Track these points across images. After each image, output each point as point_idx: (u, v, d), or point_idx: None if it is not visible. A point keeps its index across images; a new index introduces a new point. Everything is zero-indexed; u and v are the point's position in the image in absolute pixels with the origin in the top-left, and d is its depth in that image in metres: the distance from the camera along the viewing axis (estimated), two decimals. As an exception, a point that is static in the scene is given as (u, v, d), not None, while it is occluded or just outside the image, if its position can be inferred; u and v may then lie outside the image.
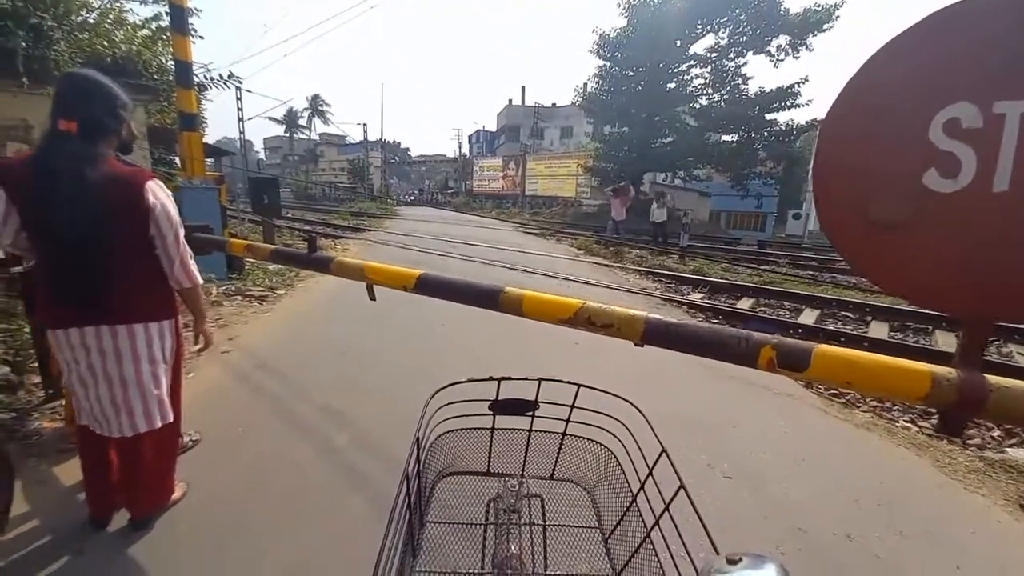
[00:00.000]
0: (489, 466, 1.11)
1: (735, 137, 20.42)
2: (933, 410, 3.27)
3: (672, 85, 21.12)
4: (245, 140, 36.46)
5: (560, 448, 1.09)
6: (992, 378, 0.80)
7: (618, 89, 21.63)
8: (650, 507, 0.87)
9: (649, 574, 0.82)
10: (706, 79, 20.71)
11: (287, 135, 57.36)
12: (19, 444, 2.28)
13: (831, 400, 3.45)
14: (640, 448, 0.95)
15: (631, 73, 21.22)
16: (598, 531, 0.99)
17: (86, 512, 1.81)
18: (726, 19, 18.82)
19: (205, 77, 7.00)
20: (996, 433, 3.22)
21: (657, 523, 0.82)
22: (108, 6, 5.74)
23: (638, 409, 0.97)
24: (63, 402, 2.44)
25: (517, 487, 1.01)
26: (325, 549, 1.78)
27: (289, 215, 18.04)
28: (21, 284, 2.41)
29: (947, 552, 1.96)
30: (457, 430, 1.09)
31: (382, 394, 3.06)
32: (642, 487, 0.92)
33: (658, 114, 21.00)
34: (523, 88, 46.77)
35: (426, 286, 1.52)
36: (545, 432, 1.09)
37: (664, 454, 0.85)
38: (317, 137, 60.06)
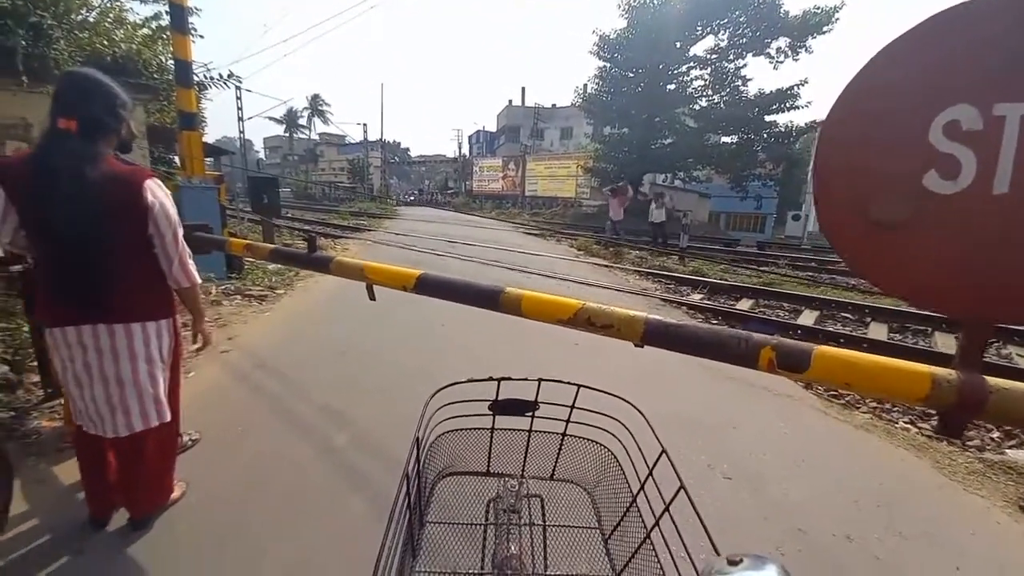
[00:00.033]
0: (489, 466, 1.11)
1: (735, 139, 20.43)
2: (933, 411, 3.27)
3: (672, 86, 21.12)
4: (245, 139, 36.44)
5: (560, 448, 1.09)
6: (992, 380, 0.80)
7: (618, 90, 21.63)
8: (650, 507, 0.87)
9: (649, 575, 0.82)
10: (706, 81, 20.73)
11: (287, 135, 57.35)
12: (18, 443, 2.28)
13: (831, 401, 3.45)
14: (640, 448, 0.95)
15: (631, 74, 21.22)
16: (598, 531, 0.99)
17: (85, 511, 1.81)
18: (726, 21, 18.83)
19: (205, 76, 7.01)
20: (996, 434, 3.22)
21: (657, 524, 0.82)
22: (108, 5, 5.75)
23: (638, 410, 0.97)
24: (62, 401, 2.44)
25: (517, 487, 1.01)
26: (325, 549, 1.78)
27: (289, 215, 18.02)
28: (21, 283, 2.41)
29: (946, 553, 1.96)
30: (457, 430, 1.09)
31: (382, 394, 3.06)
32: (642, 487, 0.92)
33: (658, 115, 21.00)
34: (523, 89, 46.81)
35: (426, 286, 1.52)
36: (545, 432, 1.09)
37: (664, 455, 0.85)
38: (317, 137, 60.07)
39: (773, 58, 18.83)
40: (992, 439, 3.17)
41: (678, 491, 0.77)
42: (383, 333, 4.27)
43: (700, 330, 1.07)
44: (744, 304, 6.92)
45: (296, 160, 55.30)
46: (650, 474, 0.89)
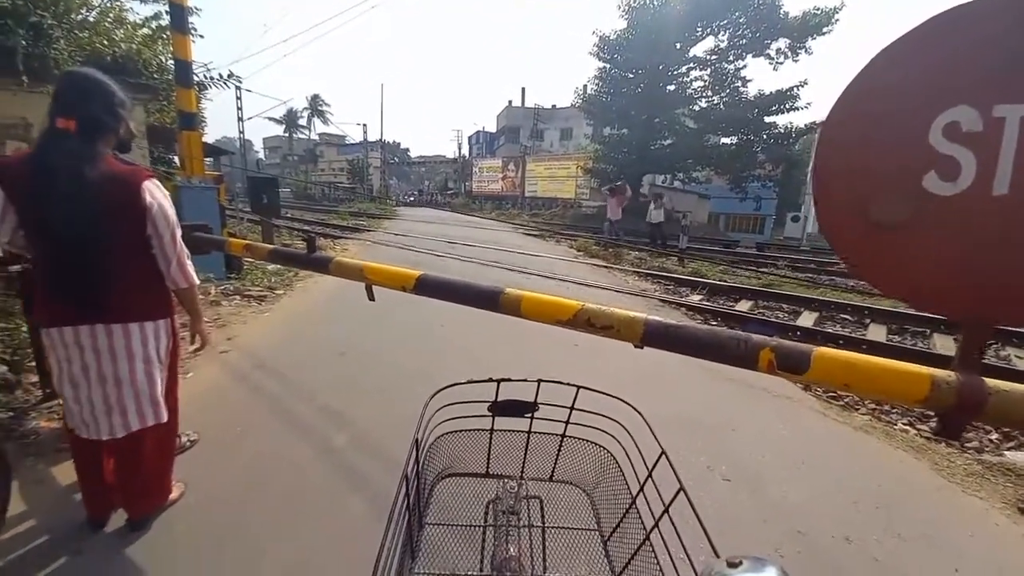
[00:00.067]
0: (488, 468, 1.11)
1: (734, 140, 20.48)
2: (932, 413, 3.27)
3: (672, 87, 21.16)
4: (244, 140, 36.46)
5: (559, 450, 1.09)
6: (991, 381, 0.80)
7: (618, 91, 21.66)
8: (649, 509, 0.87)
9: None
10: (705, 82, 20.76)
11: (287, 135, 57.36)
12: (16, 443, 2.28)
13: (830, 403, 3.45)
14: (639, 450, 0.95)
15: (631, 75, 21.25)
16: (597, 533, 0.99)
17: (84, 512, 1.80)
18: (726, 22, 18.86)
19: (205, 76, 7.01)
20: (994, 436, 3.22)
21: (656, 525, 0.82)
22: (108, 5, 5.75)
23: (637, 411, 0.97)
24: (60, 401, 2.43)
25: (516, 489, 1.00)
26: (324, 550, 1.78)
27: (288, 215, 18.02)
28: (19, 283, 2.41)
29: (945, 555, 1.96)
30: (456, 431, 1.09)
31: (381, 395, 3.06)
32: (641, 489, 0.91)
33: (657, 116, 21.04)
34: (523, 89, 46.86)
35: (425, 287, 1.52)
36: (544, 434, 1.09)
37: (663, 456, 0.85)
38: (317, 137, 60.08)
39: (773, 59, 18.88)
40: (991, 441, 3.17)
41: (677, 493, 0.77)
42: (382, 334, 4.27)
43: (699, 331, 1.07)
44: (743, 305, 6.92)
45: (296, 160, 55.31)
46: (649, 476, 0.89)
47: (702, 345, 1.04)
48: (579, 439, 1.09)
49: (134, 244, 1.61)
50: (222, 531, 1.84)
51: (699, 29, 19.40)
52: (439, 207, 33.59)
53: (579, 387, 1.00)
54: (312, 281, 6.14)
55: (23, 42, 4.28)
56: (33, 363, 2.73)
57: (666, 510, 0.79)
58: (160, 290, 1.73)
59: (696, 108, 21.17)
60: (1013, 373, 4.24)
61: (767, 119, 19.31)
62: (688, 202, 23.38)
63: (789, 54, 18.55)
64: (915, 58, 0.84)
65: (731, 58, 19.56)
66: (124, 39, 5.72)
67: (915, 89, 0.84)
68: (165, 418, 1.75)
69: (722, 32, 19.26)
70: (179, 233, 1.69)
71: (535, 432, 1.08)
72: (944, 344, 5.24)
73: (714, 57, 19.90)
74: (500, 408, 1.00)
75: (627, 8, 19.87)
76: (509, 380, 0.98)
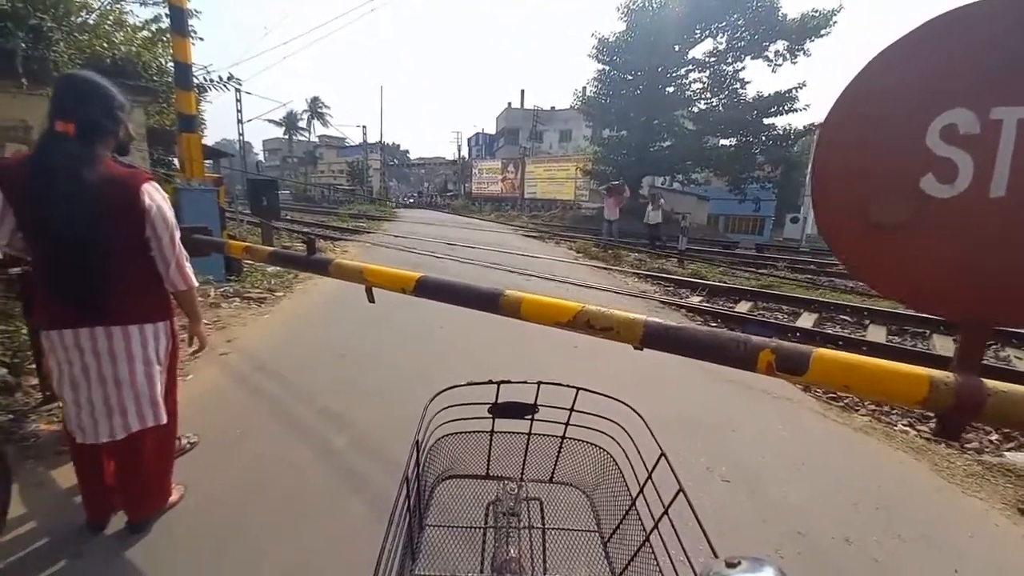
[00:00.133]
0: (488, 469, 1.11)
1: (733, 141, 20.50)
2: (931, 414, 3.28)
3: (671, 89, 21.18)
4: (244, 142, 36.50)
5: (559, 451, 1.09)
6: (990, 382, 0.80)
7: (617, 93, 21.69)
8: (649, 510, 0.87)
9: None
10: (704, 83, 20.79)
11: (286, 137, 57.41)
12: (16, 446, 2.27)
13: (829, 404, 3.45)
14: (639, 451, 0.95)
15: (630, 77, 21.28)
16: (597, 535, 0.99)
17: (84, 514, 1.80)
18: (724, 24, 18.89)
19: (205, 79, 7.04)
20: (994, 437, 3.22)
21: (656, 527, 0.82)
22: (108, 7, 5.76)
23: (637, 412, 0.97)
24: (60, 404, 2.43)
25: (516, 490, 1.00)
26: (324, 551, 1.78)
27: (288, 217, 18.04)
28: (19, 285, 2.41)
29: (945, 556, 1.96)
30: (456, 433, 1.09)
31: (381, 397, 3.06)
32: (641, 490, 0.92)
33: (656, 118, 21.07)
34: (522, 91, 46.96)
35: (425, 289, 1.53)
36: (544, 435, 1.09)
37: (663, 457, 0.86)
38: (316, 139, 60.10)
39: (771, 61, 18.91)
40: (991, 441, 3.17)
41: (677, 494, 0.77)
42: (382, 336, 4.27)
43: (699, 333, 1.08)
44: (743, 306, 6.93)
45: (295, 162, 55.34)
46: (649, 477, 0.89)
47: (702, 346, 1.05)
48: (579, 441, 1.09)
49: (133, 246, 1.61)
50: (222, 533, 1.84)
51: (698, 31, 19.43)
52: (439, 209, 33.60)
53: (579, 389, 1.00)
54: (312, 283, 6.14)
55: (23, 44, 4.29)
56: (33, 365, 2.73)
57: (666, 511, 0.79)
58: (159, 292, 1.73)
59: (695, 110, 21.20)
60: (1013, 374, 4.24)
61: (766, 121, 19.33)
62: (687, 203, 23.42)
63: (787, 56, 18.59)
64: (912, 61, 0.84)
65: (730, 60, 19.58)
66: (124, 42, 5.74)
67: (912, 92, 0.84)
68: (165, 420, 1.75)
69: (721, 34, 19.29)
70: (178, 235, 1.69)
71: (535, 434, 1.08)
72: (944, 345, 5.24)
73: (713, 59, 19.93)
74: (500, 410, 1.00)
75: (626, 10, 19.91)
76: (509, 382, 0.98)
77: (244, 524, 1.90)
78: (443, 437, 1.08)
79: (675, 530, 0.76)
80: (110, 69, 5.04)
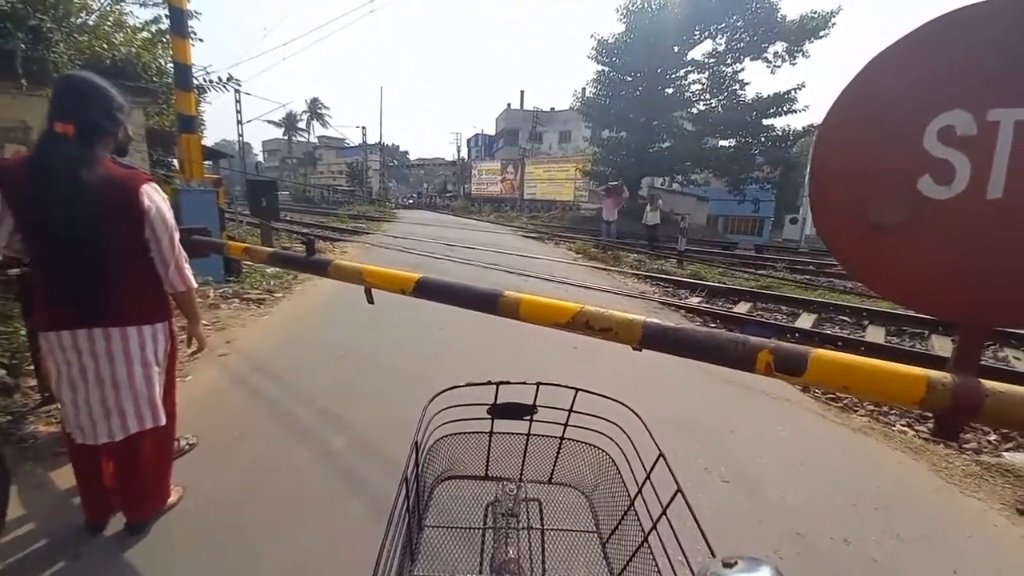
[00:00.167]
0: (487, 470, 1.11)
1: (732, 142, 20.52)
2: (930, 414, 3.28)
3: (670, 90, 21.20)
4: (243, 143, 36.52)
5: (558, 452, 1.09)
6: (987, 383, 0.80)
7: (616, 94, 21.71)
8: (648, 511, 0.87)
9: None
10: (704, 85, 20.81)
11: (286, 138, 57.44)
12: (15, 447, 2.27)
13: (828, 404, 3.46)
14: (638, 452, 0.95)
15: (629, 78, 21.30)
16: (596, 535, 0.99)
17: (82, 516, 1.80)
18: (723, 25, 18.92)
19: (204, 80, 7.03)
20: (992, 437, 3.23)
21: (655, 527, 0.82)
22: (108, 8, 5.76)
23: (635, 413, 0.97)
24: (59, 405, 2.43)
25: (515, 491, 1.01)
26: (323, 553, 1.77)
27: (287, 218, 18.03)
28: (18, 286, 2.41)
29: (944, 556, 1.96)
30: (455, 434, 1.09)
31: (380, 398, 3.06)
32: (640, 491, 0.92)
33: (656, 119, 21.09)
34: (522, 92, 46.96)
35: (425, 290, 1.53)
36: (543, 436, 1.09)
37: (662, 458, 0.86)
38: (316, 140, 60.12)
39: (770, 62, 18.93)
40: (989, 442, 3.18)
41: (675, 494, 0.77)
42: (381, 337, 4.27)
43: (698, 333, 1.08)
44: (742, 307, 6.93)
45: (295, 163, 55.37)
46: (648, 478, 0.89)
47: (700, 347, 1.05)
48: (578, 441, 1.09)
49: (132, 248, 1.61)
50: (221, 535, 1.84)
51: (697, 32, 19.46)
52: (438, 210, 33.61)
53: (578, 390, 1.00)
54: (311, 284, 6.14)
55: (22, 45, 4.29)
56: (32, 367, 2.72)
57: (664, 512, 0.79)
58: (158, 293, 1.73)
59: (694, 111, 21.22)
60: (1011, 374, 4.25)
61: (765, 122, 19.35)
62: (687, 204, 23.43)
63: (786, 57, 18.60)
64: (910, 62, 0.85)
65: (729, 61, 19.60)
66: (124, 43, 5.73)
67: (910, 93, 0.84)
68: (163, 421, 1.75)
69: (720, 35, 19.31)
70: (177, 236, 1.69)
71: (534, 435, 1.08)
72: (943, 346, 5.25)
73: (712, 60, 19.95)
74: (499, 411, 1.00)
75: (625, 12, 19.95)
76: (508, 383, 0.98)
77: (243, 525, 1.89)
78: (442, 438, 1.08)
79: (673, 531, 0.76)
80: (110, 70, 5.04)
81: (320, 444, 2.50)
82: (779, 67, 18.93)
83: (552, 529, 1.02)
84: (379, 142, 39.50)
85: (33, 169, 1.46)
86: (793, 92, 18.33)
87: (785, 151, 20.08)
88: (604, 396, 0.98)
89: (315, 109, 56.70)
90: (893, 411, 3.53)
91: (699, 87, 20.99)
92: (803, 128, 18.91)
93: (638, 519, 0.91)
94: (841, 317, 6.50)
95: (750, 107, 19.33)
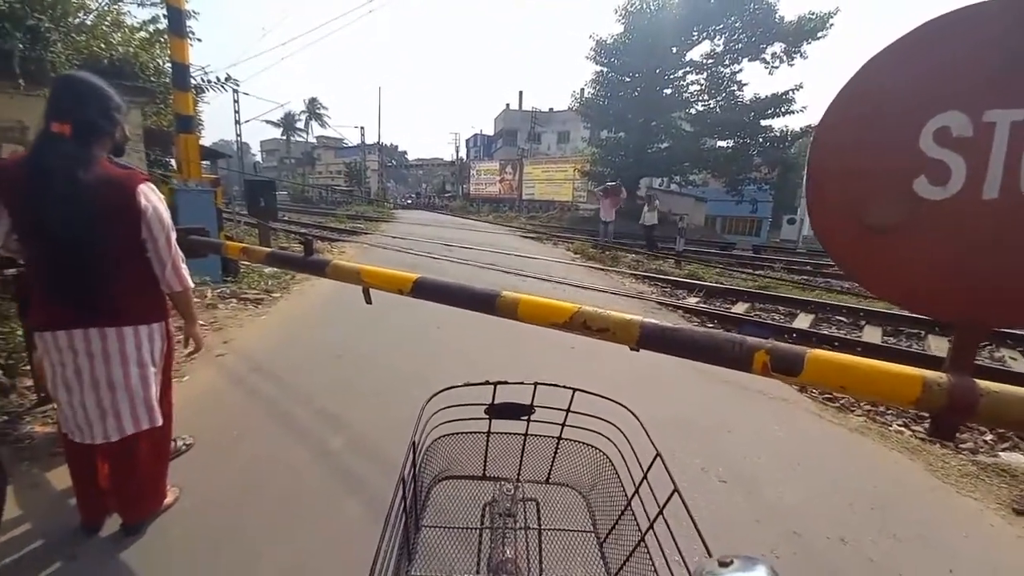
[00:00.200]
0: (485, 470, 1.11)
1: (730, 143, 20.55)
2: (926, 414, 3.28)
3: (668, 91, 21.23)
4: (242, 143, 36.46)
5: (555, 452, 1.09)
6: (983, 383, 0.81)
7: (615, 95, 21.73)
8: (645, 511, 0.87)
9: None
10: (702, 85, 20.84)
11: (284, 138, 57.33)
12: (11, 448, 2.26)
13: (825, 404, 3.46)
14: (635, 452, 0.95)
15: (628, 79, 21.33)
16: (593, 535, 0.99)
17: (78, 517, 1.79)
18: (722, 26, 18.95)
19: (202, 80, 7.01)
20: (988, 437, 3.24)
21: (652, 527, 0.82)
22: (106, 8, 5.73)
23: (633, 413, 0.97)
24: (55, 405, 2.42)
25: (513, 491, 1.01)
26: (320, 553, 1.77)
27: (285, 218, 17.99)
28: (14, 286, 2.40)
29: (940, 556, 1.97)
30: (453, 434, 1.09)
31: (377, 398, 3.05)
32: (637, 491, 0.92)
33: (654, 119, 21.11)
34: (520, 93, 47.08)
35: (422, 290, 1.52)
36: (541, 436, 1.09)
37: (659, 458, 0.86)
38: (314, 140, 60.04)
39: (768, 63, 18.96)
40: (985, 442, 3.19)
41: (672, 494, 0.77)
42: (379, 337, 4.27)
43: (695, 334, 1.08)
44: (740, 308, 6.94)
45: (293, 163, 55.26)
46: (645, 477, 0.89)
47: (697, 347, 1.05)
48: (575, 441, 1.09)
49: (129, 247, 1.60)
50: (218, 535, 1.84)
51: (695, 33, 19.49)
52: (436, 210, 33.58)
53: (575, 390, 1.00)
54: (309, 284, 6.13)
55: (20, 45, 4.26)
56: (28, 367, 2.71)
57: (661, 512, 0.79)
58: (155, 293, 1.72)
59: (692, 112, 21.25)
60: (1007, 374, 4.26)
61: (763, 122, 19.37)
62: (685, 205, 23.46)
63: (784, 58, 18.64)
64: (907, 63, 0.85)
65: (727, 62, 19.64)
66: (121, 43, 5.70)
67: (906, 94, 0.85)
68: (160, 421, 1.74)
69: (718, 36, 19.34)
70: (174, 236, 1.69)
71: (531, 435, 1.08)
72: (939, 346, 5.27)
73: (710, 61, 19.98)
74: (497, 411, 1.01)
75: (624, 13, 19.98)
76: (505, 383, 0.98)
77: (240, 526, 1.89)
78: (440, 438, 1.08)
79: (670, 530, 0.77)
80: (107, 70, 5.02)
81: (318, 444, 2.50)
82: (777, 68, 18.98)
83: (549, 529, 1.02)
84: (377, 142, 39.50)
85: (30, 169, 1.46)
86: (791, 93, 18.37)
87: (783, 152, 20.13)
88: (601, 396, 0.98)
89: (313, 109, 56.60)
90: (890, 411, 3.54)
91: (697, 88, 21.03)
92: (801, 129, 18.94)
93: (635, 519, 0.91)
94: (838, 317, 6.51)
95: (748, 108, 19.36)
